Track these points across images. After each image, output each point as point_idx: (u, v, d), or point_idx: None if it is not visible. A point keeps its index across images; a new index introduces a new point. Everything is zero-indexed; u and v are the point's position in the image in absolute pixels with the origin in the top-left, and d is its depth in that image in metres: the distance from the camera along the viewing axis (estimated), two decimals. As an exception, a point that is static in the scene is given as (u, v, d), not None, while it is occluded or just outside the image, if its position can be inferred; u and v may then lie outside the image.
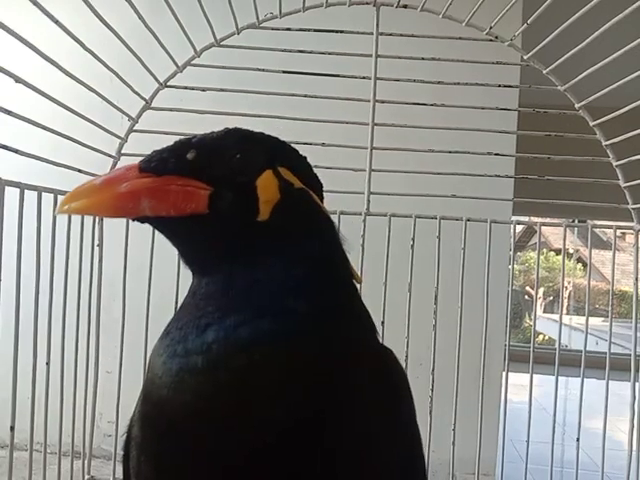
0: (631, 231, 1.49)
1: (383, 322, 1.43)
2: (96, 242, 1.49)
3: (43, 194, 1.25)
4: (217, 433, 0.50)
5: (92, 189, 0.54)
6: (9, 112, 1.07)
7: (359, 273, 1.53)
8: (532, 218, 5.97)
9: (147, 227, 0.60)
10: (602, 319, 7.71)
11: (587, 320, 1.59)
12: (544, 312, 10.22)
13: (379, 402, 0.56)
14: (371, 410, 0.55)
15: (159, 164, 0.56)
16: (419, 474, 0.63)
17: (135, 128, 1.51)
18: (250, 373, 0.50)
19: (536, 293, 1.79)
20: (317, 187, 0.63)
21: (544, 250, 10.37)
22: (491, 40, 1.48)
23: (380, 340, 0.63)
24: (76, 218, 1.40)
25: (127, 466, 0.60)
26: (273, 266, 0.55)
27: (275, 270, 0.55)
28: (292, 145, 0.63)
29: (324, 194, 0.64)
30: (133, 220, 0.57)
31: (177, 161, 0.56)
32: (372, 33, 1.50)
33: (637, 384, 1.44)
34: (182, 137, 0.60)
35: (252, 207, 0.56)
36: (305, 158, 0.64)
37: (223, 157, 0.57)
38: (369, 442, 0.54)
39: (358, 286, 0.63)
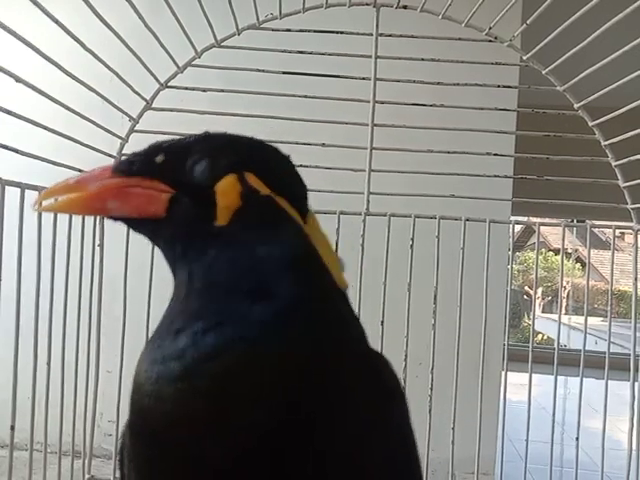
0: (630, 231, 1.49)
1: (383, 322, 1.43)
2: (97, 242, 1.50)
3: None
4: (198, 441, 0.50)
5: (65, 188, 0.58)
6: (9, 112, 1.07)
7: (359, 273, 1.53)
8: (531, 218, 5.98)
9: (149, 227, 0.60)
10: (601, 319, 7.72)
11: (586, 320, 1.60)
12: (543, 312, 10.24)
13: (364, 406, 0.54)
14: (354, 415, 0.53)
15: (128, 165, 0.58)
16: (415, 478, 0.63)
17: (136, 128, 1.51)
18: (222, 379, 0.50)
19: (535, 293, 1.78)
20: (293, 191, 0.60)
21: (543, 250, 10.38)
22: (490, 41, 1.48)
23: (368, 342, 0.61)
24: (77, 217, 1.40)
25: (122, 472, 0.61)
26: (229, 270, 0.55)
27: (231, 274, 0.54)
28: (273, 146, 0.62)
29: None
30: (108, 218, 0.59)
31: (145, 163, 0.58)
32: (372, 34, 1.50)
33: (636, 384, 1.45)
34: (157, 140, 0.61)
35: (209, 212, 0.56)
36: (284, 161, 0.62)
37: (187, 161, 0.58)
38: (352, 450, 0.53)
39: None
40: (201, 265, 0.56)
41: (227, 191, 0.56)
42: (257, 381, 0.50)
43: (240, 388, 0.50)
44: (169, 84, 1.50)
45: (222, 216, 0.56)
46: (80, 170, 1.38)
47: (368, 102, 1.52)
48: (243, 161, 0.58)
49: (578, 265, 10.38)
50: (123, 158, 0.60)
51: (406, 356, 1.44)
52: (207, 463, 0.50)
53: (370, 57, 1.50)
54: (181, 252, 0.57)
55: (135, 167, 0.58)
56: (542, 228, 1.68)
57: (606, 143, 1.45)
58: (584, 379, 1.52)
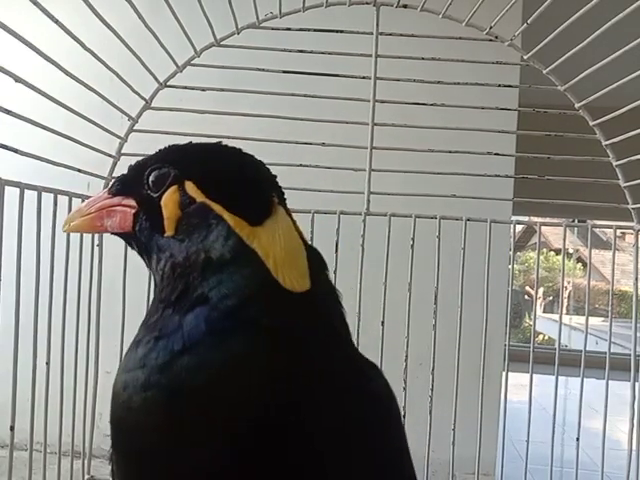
0: (631, 231, 1.49)
1: (383, 322, 1.43)
2: (96, 242, 1.50)
3: (43, 194, 1.24)
4: (161, 450, 0.51)
5: (78, 212, 0.65)
6: (8, 112, 1.07)
7: (359, 273, 1.52)
8: (532, 218, 5.97)
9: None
10: (602, 319, 7.71)
11: (587, 320, 1.59)
12: (544, 312, 10.23)
13: (336, 410, 0.54)
14: (332, 426, 0.53)
15: (117, 185, 0.64)
16: None
17: (135, 128, 1.51)
18: (188, 388, 0.50)
19: (536, 293, 1.79)
20: (234, 195, 0.59)
21: (544, 250, 10.37)
22: (491, 40, 1.48)
23: (356, 349, 0.61)
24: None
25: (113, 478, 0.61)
26: (170, 279, 0.57)
27: (172, 283, 0.57)
28: (224, 151, 0.63)
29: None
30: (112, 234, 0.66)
31: (124, 182, 0.64)
32: (372, 33, 1.50)
33: (637, 384, 1.44)
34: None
35: (159, 225, 0.60)
36: (230, 166, 0.62)
37: (144, 176, 0.62)
38: (327, 452, 0.52)
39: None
40: (157, 275, 0.60)
41: (167, 203, 0.59)
42: (202, 389, 0.50)
43: (199, 398, 0.50)
44: (168, 83, 1.50)
45: (169, 227, 0.59)
46: (80, 170, 1.38)
47: (368, 101, 1.51)
48: (185, 171, 0.60)
49: (579, 265, 10.38)
50: (115, 177, 0.66)
51: (407, 357, 1.44)
52: (174, 470, 0.51)
53: (370, 56, 1.50)
54: (147, 263, 0.62)
55: (119, 186, 0.64)
56: (543, 228, 1.67)
57: (607, 143, 1.45)
58: (585, 379, 1.51)
